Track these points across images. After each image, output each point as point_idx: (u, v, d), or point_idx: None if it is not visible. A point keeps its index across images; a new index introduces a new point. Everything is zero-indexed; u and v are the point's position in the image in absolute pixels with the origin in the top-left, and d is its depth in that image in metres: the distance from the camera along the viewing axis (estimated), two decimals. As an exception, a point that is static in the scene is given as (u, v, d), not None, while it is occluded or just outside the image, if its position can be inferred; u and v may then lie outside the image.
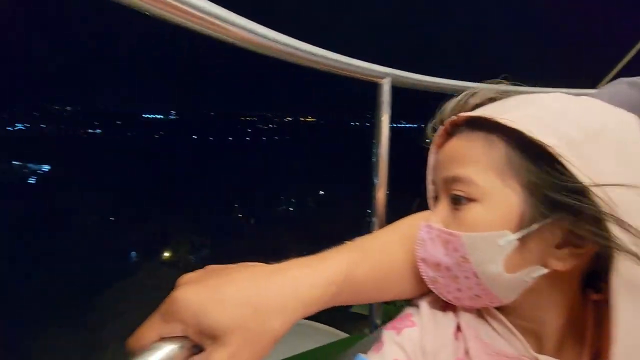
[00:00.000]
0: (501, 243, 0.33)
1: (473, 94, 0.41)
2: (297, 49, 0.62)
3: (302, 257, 0.39)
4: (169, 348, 0.29)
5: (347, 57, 0.69)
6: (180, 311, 0.30)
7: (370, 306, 0.85)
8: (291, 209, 27.45)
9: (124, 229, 20.34)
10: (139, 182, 29.73)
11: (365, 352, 0.40)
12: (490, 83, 0.45)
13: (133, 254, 18.54)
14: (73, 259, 16.25)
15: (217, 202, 25.96)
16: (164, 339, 0.30)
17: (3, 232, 19.15)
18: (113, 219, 22.22)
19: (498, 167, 0.35)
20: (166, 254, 18.70)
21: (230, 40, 0.54)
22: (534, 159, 0.34)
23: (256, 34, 0.56)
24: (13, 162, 31.98)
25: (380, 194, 0.78)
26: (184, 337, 0.30)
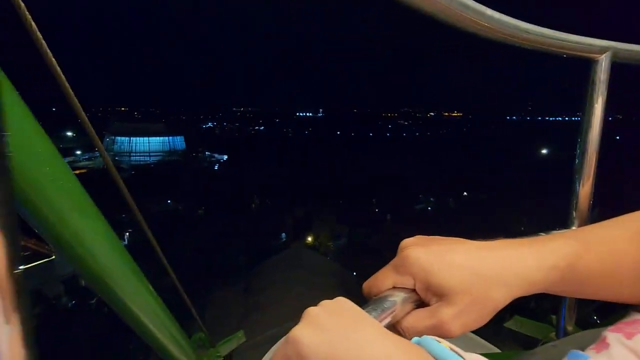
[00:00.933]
0: None
1: None
2: (499, 22, 0.54)
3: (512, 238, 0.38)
4: (401, 295, 0.33)
5: (557, 32, 0.60)
6: (412, 267, 0.33)
7: (560, 308, 0.73)
8: (429, 208, 26.14)
9: (279, 212, 23.53)
10: (297, 173, 33.86)
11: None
12: None
13: (283, 235, 21.31)
14: (239, 234, 19.79)
15: (356, 196, 27.07)
16: (395, 288, 0.34)
17: (197, 206, 24.87)
18: (270, 203, 26.04)
19: None
20: (309, 239, 20.73)
21: (424, 8, 0.48)
22: None
23: (459, 3, 0.49)
24: (206, 152, 42.33)
25: (586, 189, 0.66)
26: (411, 290, 0.34)
